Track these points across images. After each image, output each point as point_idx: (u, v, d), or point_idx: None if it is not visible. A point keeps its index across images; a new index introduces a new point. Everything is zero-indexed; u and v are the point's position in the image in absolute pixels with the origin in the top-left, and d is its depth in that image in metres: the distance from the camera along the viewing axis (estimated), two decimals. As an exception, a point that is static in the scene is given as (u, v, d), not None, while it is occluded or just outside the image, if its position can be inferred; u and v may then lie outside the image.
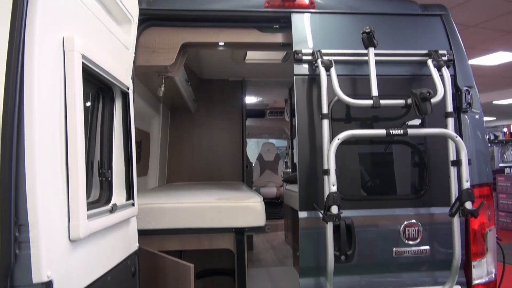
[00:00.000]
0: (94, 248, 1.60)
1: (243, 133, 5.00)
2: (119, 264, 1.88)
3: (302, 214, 2.42)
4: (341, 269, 2.35)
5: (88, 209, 1.51)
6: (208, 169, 4.85)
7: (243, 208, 2.60)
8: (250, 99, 6.46)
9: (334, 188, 2.18)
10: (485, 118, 2.63)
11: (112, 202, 1.90)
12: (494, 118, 14.27)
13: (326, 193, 2.19)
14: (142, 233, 2.50)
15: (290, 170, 6.99)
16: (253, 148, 9.91)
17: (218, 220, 2.57)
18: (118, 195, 2.03)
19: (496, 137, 12.09)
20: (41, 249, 1.23)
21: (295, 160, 4.42)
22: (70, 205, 1.40)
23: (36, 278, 1.21)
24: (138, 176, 3.60)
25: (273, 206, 7.25)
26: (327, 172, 2.21)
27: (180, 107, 4.54)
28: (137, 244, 2.20)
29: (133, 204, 2.09)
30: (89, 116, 1.90)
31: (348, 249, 2.36)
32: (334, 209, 2.15)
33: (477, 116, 2.51)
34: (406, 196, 2.49)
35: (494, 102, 10.85)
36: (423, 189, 2.48)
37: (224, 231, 2.60)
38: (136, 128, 3.47)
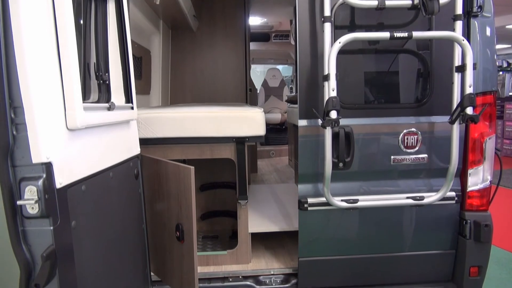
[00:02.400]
0: (94, 142, 1.64)
1: (246, 54, 4.88)
2: (121, 164, 1.94)
3: (302, 123, 2.42)
4: (339, 176, 2.41)
5: (86, 105, 1.52)
6: (211, 91, 4.82)
7: (243, 118, 2.61)
8: (255, 20, 6.23)
9: (333, 93, 2.15)
10: (498, 46, 2.50)
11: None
12: (509, 46, 13.75)
13: (326, 98, 2.17)
14: (145, 142, 2.56)
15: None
16: (258, 75, 9.78)
17: (219, 129, 2.60)
18: (117, 98, 2.03)
19: (509, 64, 11.72)
20: (38, 131, 1.26)
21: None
22: (65, 95, 1.41)
23: (36, 159, 1.25)
24: (140, 93, 3.61)
25: (278, 132, 7.31)
26: (327, 77, 2.17)
27: (180, 25, 4.40)
28: (139, 149, 2.25)
29: (132, 108, 2.10)
30: (81, 14, 1.84)
31: (346, 157, 2.39)
32: (333, 114, 2.15)
33: (487, 21, 2.40)
34: (407, 105, 2.46)
35: (508, 27, 10.34)
36: (425, 98, 2.45)
37: (225, 141, 2.63)
38: (135, 43, 3.42)
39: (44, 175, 1.26)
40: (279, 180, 4.96)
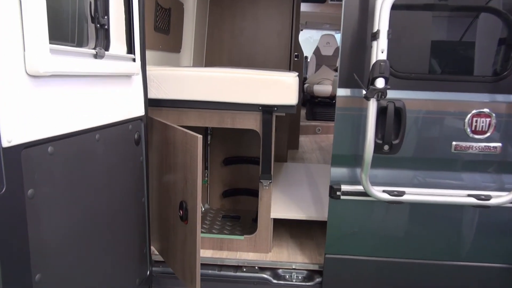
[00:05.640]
0: (71, 96, 1.42)
1: (293, 14, 4.48)
2: (114, 126, 1.72)
3: (341, 92, 2.08)
4: (383, 161, 2.07)
5: (57, 47, 1.29)
6: (251, 54, 4.51)
7: (272, 82, 2.30)
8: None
9: (383, 56, 1.79)
10: None
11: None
12: None
13: (373, 61, 1.81)
14: (156, 103, 2.35)
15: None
16: (311, 42, 9.25)
17: (243, 94, 2.31)
18: (119, 47, 1.81)
19: None
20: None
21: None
22: (25, 32, 1.18)
23: (-28, 107, 1.05)
24: (167, 51, 3.39)
25: (327, 106, 6.88)
26: (376, 34, 1.80)
27: None
28: (143, 110, 2.03)
29: (133, 60, 1.87)
30: None
31: (394, 138, 2.04)
32: (380, 82, 1.79)
33: None
34: (481, 78, 2.03)
35: None
36: (506, 71, 2.00)
37: (250, 109, 2.35)
38: (163, -8, 3.17)
39: (-17, 129, 1.05)
40: (321, 160, 4.63)
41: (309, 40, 9.67)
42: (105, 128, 1.64)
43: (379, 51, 1.79)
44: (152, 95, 2.29)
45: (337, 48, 7.20)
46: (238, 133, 3.11)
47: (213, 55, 4.48)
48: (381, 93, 1.80)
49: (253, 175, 3.12)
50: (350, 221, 2.19)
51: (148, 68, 2.17)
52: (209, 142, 3.12)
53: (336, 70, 5.33)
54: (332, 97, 6.82)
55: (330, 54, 7.17)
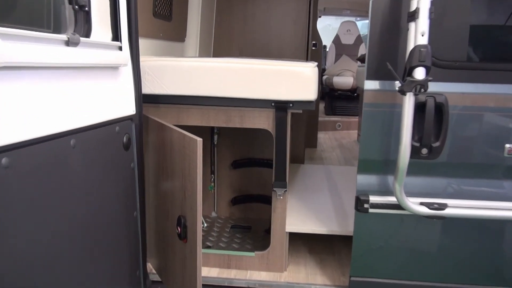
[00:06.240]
0: (36, 92, 1.18)
1: (310, 1, 4.20)
2: (95, 128, 1.48)
3: (369, 85, 1.81)
4: (420, 167, 1.81)
5: (13, 32, 1.06)
6: (264, 44, 4.24)
7: (287, 74, 2.03)
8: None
9: (423, 40, 1.51)
10: None
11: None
12: None
13: (410, 47, 1.54)
14: (153, 100, 2.12)
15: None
16: (330, 30, 8.92)
17: (253, 88, 2.05)
18: (103, 34, 1.57)
19: None
20: None
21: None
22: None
23: None
24: (170, 40, 3.15)
25: (348, 100, 6.57)
26: (414, 14, 1.52)
27: None
28: (134, 108, 1.79)
29: (120, 48, 1.62)
30: None
31: (435, 140, 1.76)
32: (419, 73, 1.52)
33: None
34: (542, 67, 1.73)
35: None
36: None
37: (261, 105, 2.09)
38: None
39: None
40: (342, 161, 4.36)
41: (327, 28, 9.34)
42: (84, 131, 1.40)
43: (419, 34, 1.52)
44: (147, 90, 2.06)
45: (359, 36, 6.87)
46: (249, 132, 2.86)
47: (221, 44, 4.23)
48: (421, 86, 1.52)
49: (266, 180, 2.87)
50: (380, 238, 1.93)
51: (142, 58, 1.93)
52: (215, 143, 2.87)
53: (359, 60, 5.02)
54: (354, 90, 6.52)
55: (351, 43, 6.84)
